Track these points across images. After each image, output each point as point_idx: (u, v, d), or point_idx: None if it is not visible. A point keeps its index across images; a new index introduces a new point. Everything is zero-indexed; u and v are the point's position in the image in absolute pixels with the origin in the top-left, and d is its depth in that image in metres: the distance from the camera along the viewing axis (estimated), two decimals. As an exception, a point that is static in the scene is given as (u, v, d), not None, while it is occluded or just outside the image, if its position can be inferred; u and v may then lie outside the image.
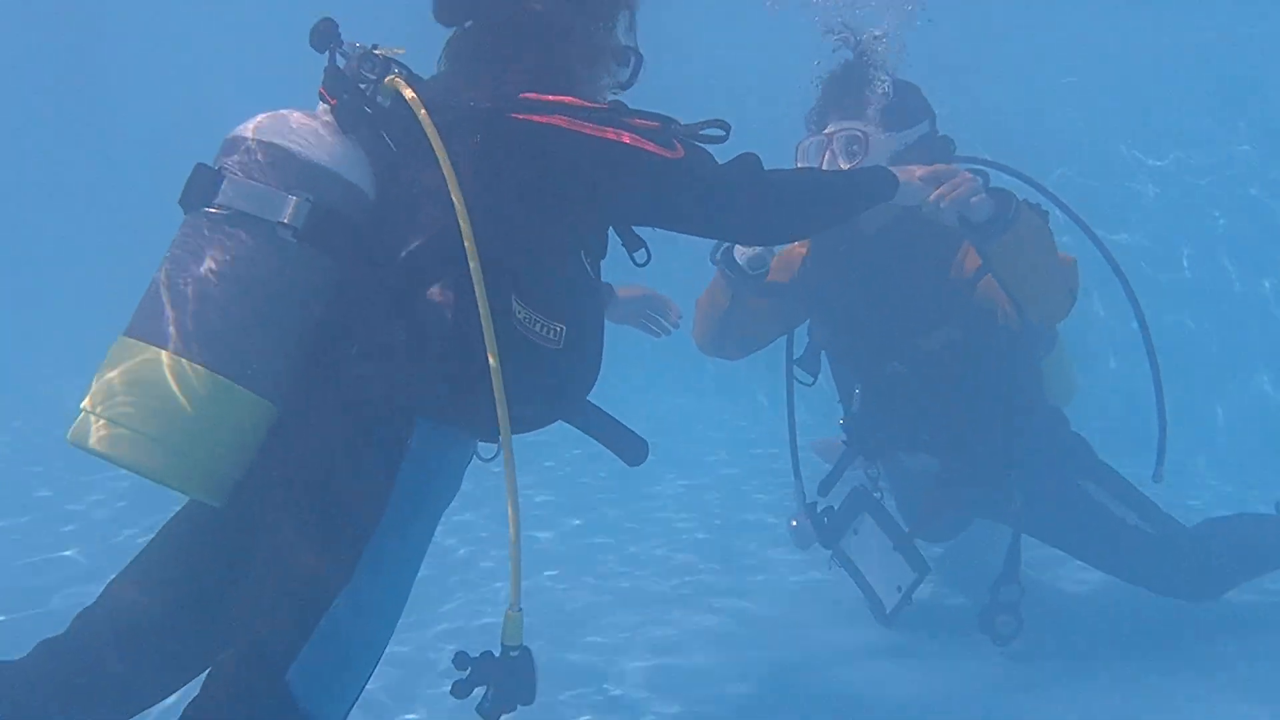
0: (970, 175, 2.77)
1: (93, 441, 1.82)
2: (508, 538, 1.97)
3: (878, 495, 3.44)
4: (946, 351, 3.15)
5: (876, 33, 3.10)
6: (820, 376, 3.46)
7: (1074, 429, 3.47)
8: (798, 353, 3.49)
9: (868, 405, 3.39)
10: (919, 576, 3.29)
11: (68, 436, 1.88)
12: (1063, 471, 3.31)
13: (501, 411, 1.91)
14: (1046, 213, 3.04)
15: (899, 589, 3.30)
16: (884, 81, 3.07)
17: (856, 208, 2.60)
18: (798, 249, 3.39)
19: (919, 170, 2.70)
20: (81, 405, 1.87)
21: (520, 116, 2.01)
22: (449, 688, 1.96)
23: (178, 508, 2.15)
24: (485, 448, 2.18)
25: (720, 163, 2.19)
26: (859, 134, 3.00)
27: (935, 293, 3.12)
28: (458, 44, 2.20)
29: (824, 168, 3.05)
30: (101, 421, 1.82)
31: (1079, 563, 3.51)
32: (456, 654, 1.98)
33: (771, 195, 2.27)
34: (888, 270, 3.16)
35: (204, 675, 1.91)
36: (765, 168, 2.28)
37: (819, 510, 3.51)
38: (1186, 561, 3.27)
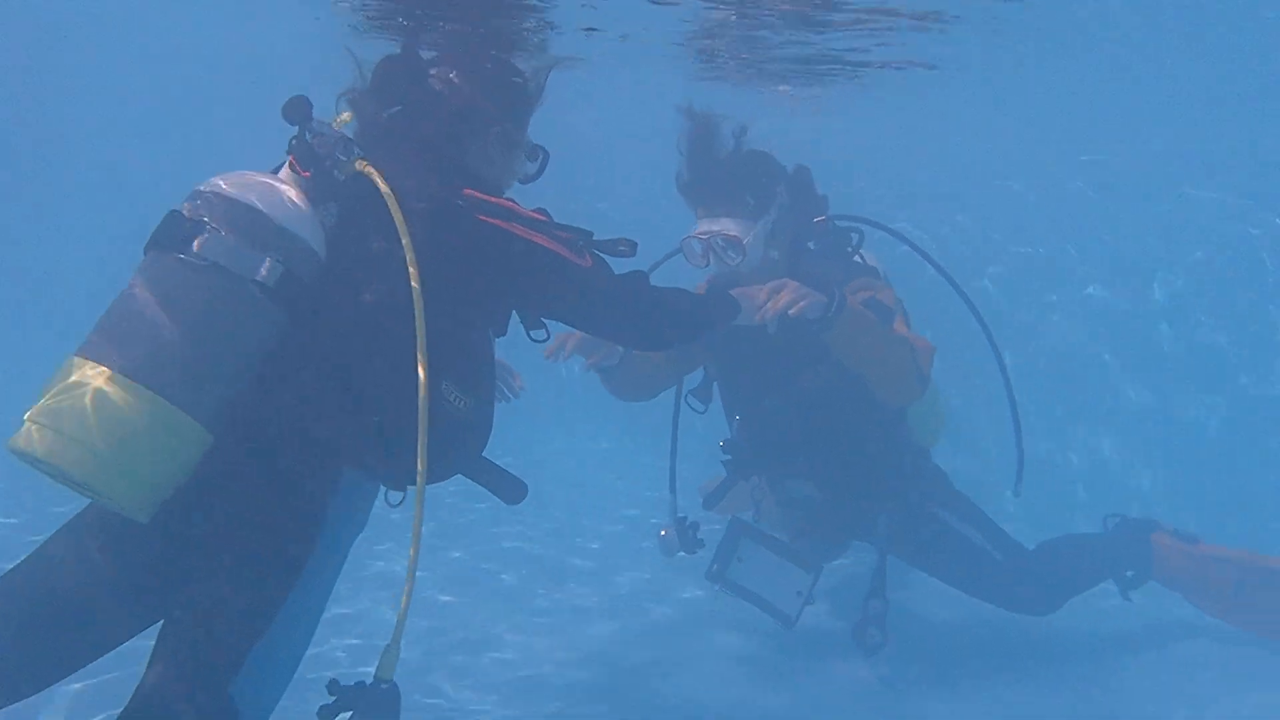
0: (794, 286, 3.06)
1: (34, 449, 1.96)
2: (402, 577, 2.16)
3: (753, 521, 3.74)
4: (817, 391, 3.46)
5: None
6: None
7: (935, 461, 3.83)
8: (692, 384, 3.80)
9: (746, 432, 3.71)
10: (814, 575, 3.57)
11: (9, 443, 2.01)
12: (922, 501, 3.66)
13: (421, 466, 2.15)
14: (890, 307, 3.31)
15: (799, 593, 3.57)
16: (737, 173, 3.34)
17: (712, 328, 2.99)
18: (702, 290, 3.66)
19: (754, 292, 3.04)
20: (25, 415, 2.01)
21: (466, 212, 2.30)
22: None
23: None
24: (393, 495, 2.41)
25: (617, 275, 2.54)
26: (734, 239, 3.29)
27: (809, 340, 3.35)
28: (389, 125, 2.44)
29: (709, 266, 3.40)
30: (46, 431, 1.96)
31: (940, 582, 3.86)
32: (330, 680, 2.15)
33: (648, 313, 2.64)
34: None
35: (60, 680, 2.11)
36: (650, 286, 2.64)
37: (686, 523, 3.82)
38: (1028, 580, 3.65)
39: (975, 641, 3.84)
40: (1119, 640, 3.87)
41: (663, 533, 3.90)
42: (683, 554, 3.85)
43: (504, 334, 2.53)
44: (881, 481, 3.58)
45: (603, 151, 8.70)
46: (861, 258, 3.66)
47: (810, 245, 3.56)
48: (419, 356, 2.15)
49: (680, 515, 3.86)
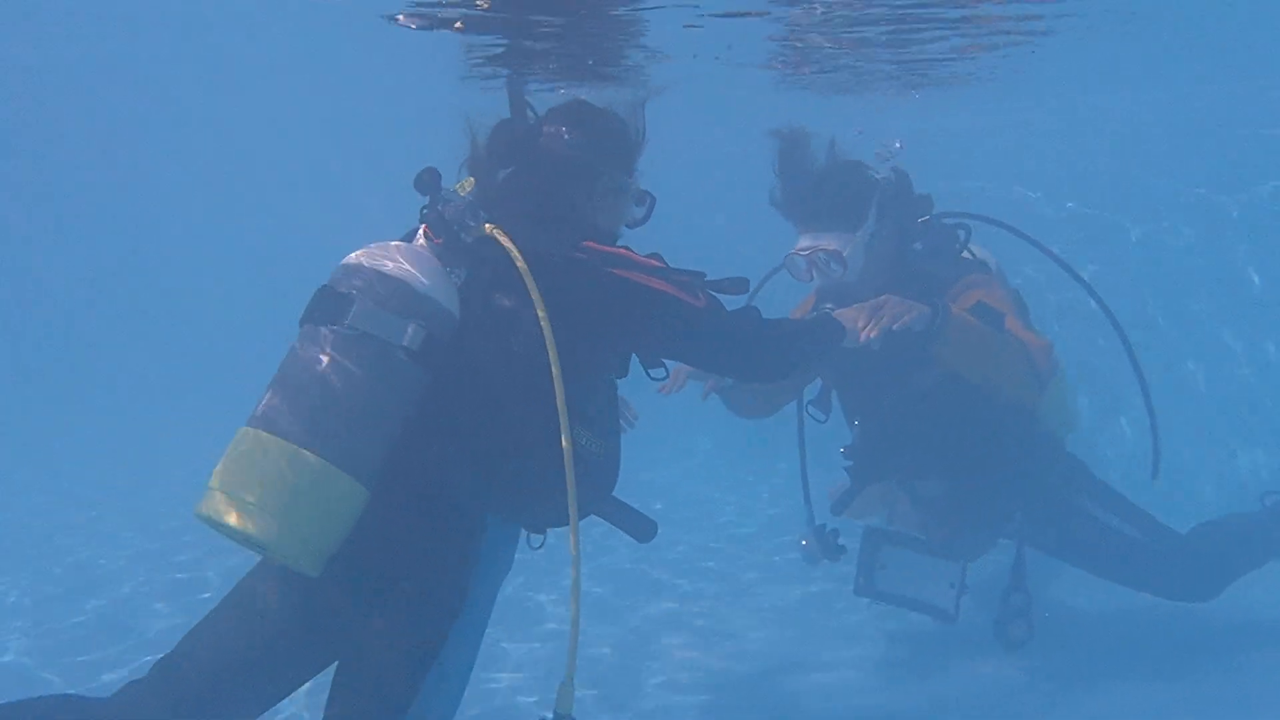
0: (894, 302, 3.06)
1: (223, 516, 2.15)
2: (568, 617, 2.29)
3: (888, 525, 3.76)
4: (933, 391, 3.45)
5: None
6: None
7: (1072, 451, 3.74)
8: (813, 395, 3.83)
9: (867, 436, 3.70)
10: (961, 564, 3.56)
11: (196, 510, 2.22)
12: (1060, 491, 3.60)
13: (573, 512, 2.29)
14: (998, 310, 3.25)
15: (951, 585, 3.56)
16: (831, 187, 3.38)
17: (820, 356, 3.15)
18: (808, 309, 3.69)
19: (856, 313, 3.05)
20: (209, 484, 2.21)
21: (587, 264, 2.43)
22: None
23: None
24: (534, 538, 2.57)
25: (730, 313, 2.64)
26: (835, 252, 3.36)
27: (916, 350, 3.33)
28: (506, 185, 2.58)
29: (814, 282, 3.48)
30: (229, 498, 2.16)
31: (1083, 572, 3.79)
32: None
33: (759, 347, 2.74)
34: None
35: None
36: (761, 321, 2.73)
37: (826, 530, 3.85)
38: (1182, 565, 3.56)
39: (1126, 633, 3.75)
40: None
41: (804, 542, 3.94)
42: (826, 561, 3.88)
43: (625, 375, 2.64)
44: (1013, 474, 3.54)
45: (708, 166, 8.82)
46: (971, 253, 3.62)
47: (916, 246, 3.56)
48: (559, 405, 2.27)
49: (818, 523, 3.90)
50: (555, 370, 2.28)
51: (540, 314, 2.30)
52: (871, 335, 3.01)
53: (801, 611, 4.28)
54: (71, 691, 2.45)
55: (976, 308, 3.23)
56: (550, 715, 2.32)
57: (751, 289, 2.84)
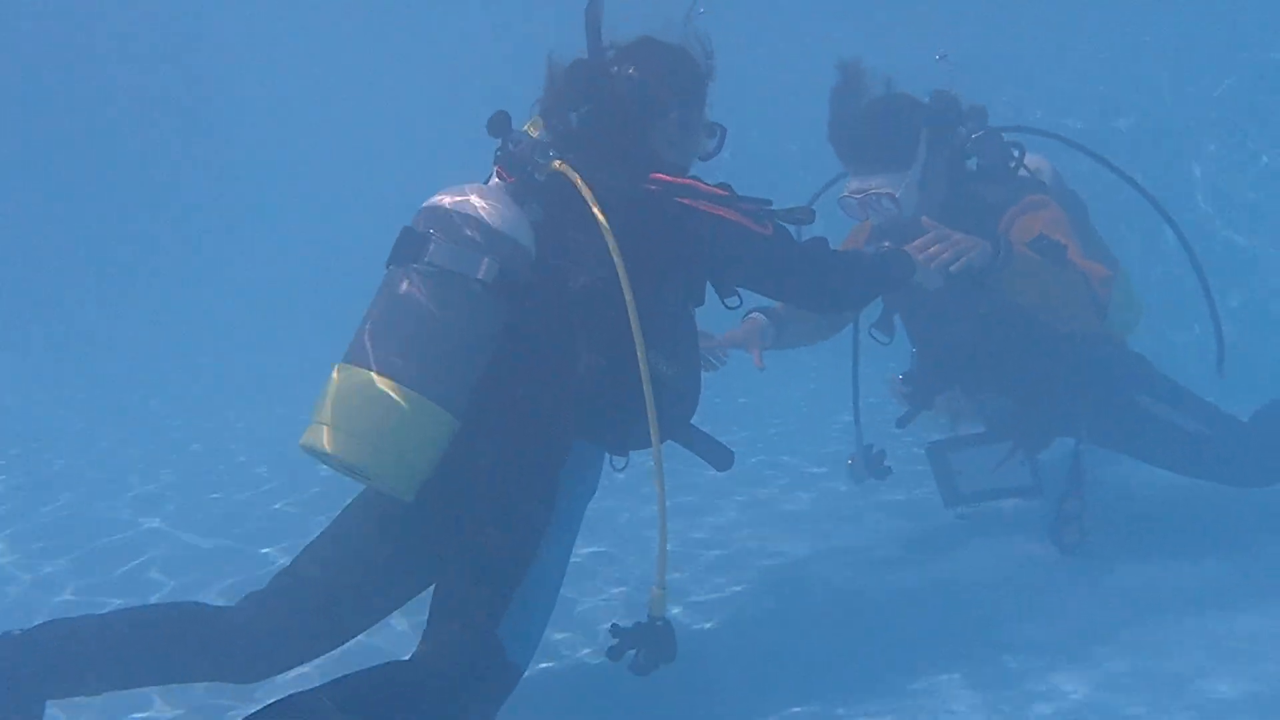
0: (956, 239, 3.01)
1: (325, 445, 2.33)
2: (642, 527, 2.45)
3: (946, 437, 3.85)
4: (997, 318, 3.47)
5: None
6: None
7: (1136, 349, 3.77)
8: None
9: (929, 360, 3.78)
10: (1021, 442, 3.67)
11: (301, 442, 2.40)
12: (1122, 391, 3.62)
13: (654, 431, 2.42)
14: (1060, 242, 3.19)
15: (1023, 463, 3.66)
16: (878, 125, 3.37)
17: (890, 288, 3.17)
18: (863, 236, 3.73)
19: (922, 245, 3.03)
20: (312, 418, 2.39)
21: (655, 196, 2.53)
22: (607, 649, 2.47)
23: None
24: (617, 460, 2.70)
25: (798, 243, 2.74)
26: (887, 194, 3.36)
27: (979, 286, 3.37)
28: (579, 125, 2.68)
29: (867, 223, 3.52)
30: (331, 429, 2.33)
31: (1144, 475, 3.85)
32: (612, 625, 2.50)
33: (829, 276, 2.83)
34: None
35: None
36: (829, 250, 2.81)
37: (873, 450, 3.94)
38: (1248, 452, 3.59)
39: (1181, 518, 3.78)
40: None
41: (849, 461, 4.03)
42: (873, 480, 3.97)
43: (702, 304, 2.73)
44: (1076, 380, 3.57)
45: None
46: (1027, 168, 3.60)
47: (971, 164, 3.56)
48: (635, 332, 2.39)
49: (866, 443, 3.97)
50: (629, 297, 2.39)
51: (611, 245, 2.40)
52: (933, 267, 3.03)
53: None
54: (184, 601, 2.70)
55: (1037, 243, 3.21)
56: (645, 619, 2.49)
57: (825, 238, 2.89)
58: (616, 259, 2.40)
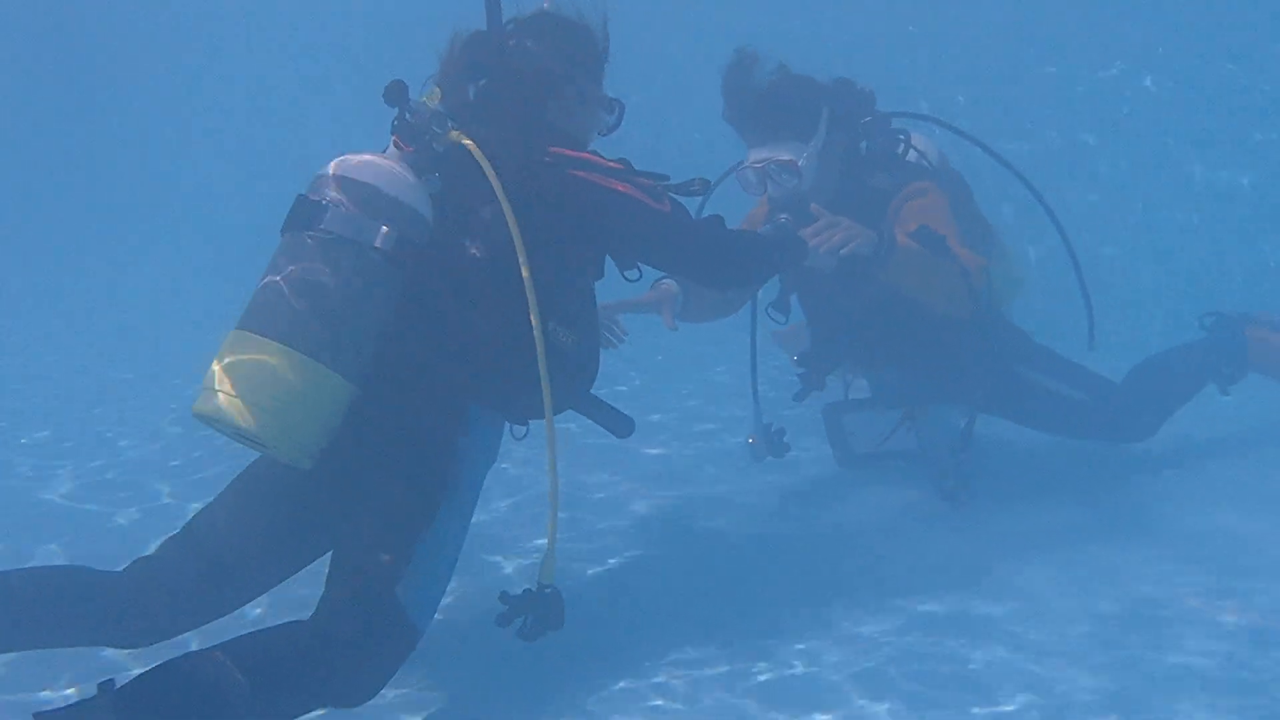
0: (845, 225, 3.17)
1: (220, 414, 2.31)
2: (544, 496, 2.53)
3: (841, 400, 4.07)
4: (881, 302, 3.61)
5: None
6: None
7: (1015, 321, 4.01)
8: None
9: (819, 340, 3.93)
10: (912, 407, 3.87)
11: (193, 409, 2.38)
12: (1004, 363, 3.85)
13: (547, 399, 2.47)
14: (940, 234, 3.36)
15: (909, 429, 3.88)
16: (781, 97, 3.45)
17: (783, 267, 3.29)
18: (761, 215, 3.80)
19: (813, 231, 3.17)
20: (204, 384, 2.37)
21: (553, 168, 2.58)
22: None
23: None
24: (517, 429, 2.76)
25: (695, 220, 2.82)
26: (789, 162, 3.45)
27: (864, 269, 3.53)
28: (478, 97, 2.74)
29: (767, 195, 3.58)
30: (224, 396, 2.31)
31: (1017, 433, 4.10)
32: (501, 592, 2.55)
33: (724, 254, 2.89)
34: None
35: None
36: (725, 230, 2.90)
37: (772, 429, 4.06)
38: (1123, 412, 3.86)
39: (1058, 473, 4.02)
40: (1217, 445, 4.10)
41: (750, 440, 4.14)
42: (770, 458, 4.09)
43: (601, 276, 2.80)
44: (959, 355, 3.76)
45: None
46: (917, 150, 3.75)
47: (863, 146, 3.68)
48: (530, 302, 2.44)
49: (765, 421, 4.09)
50: (524, 267, 2.43)
51: (507, 213, 2.45)
52: (822, 250, 3.16)
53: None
54: (79, 564, 2.65)
55: (919, 233, 3.38)
56: (534, 587, 2.55)
57: (721, 216, 2.97)
58: (513, 228, 2.45)
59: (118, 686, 1.98)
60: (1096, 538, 3.44)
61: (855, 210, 3.33)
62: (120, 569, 2.57)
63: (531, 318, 2.45)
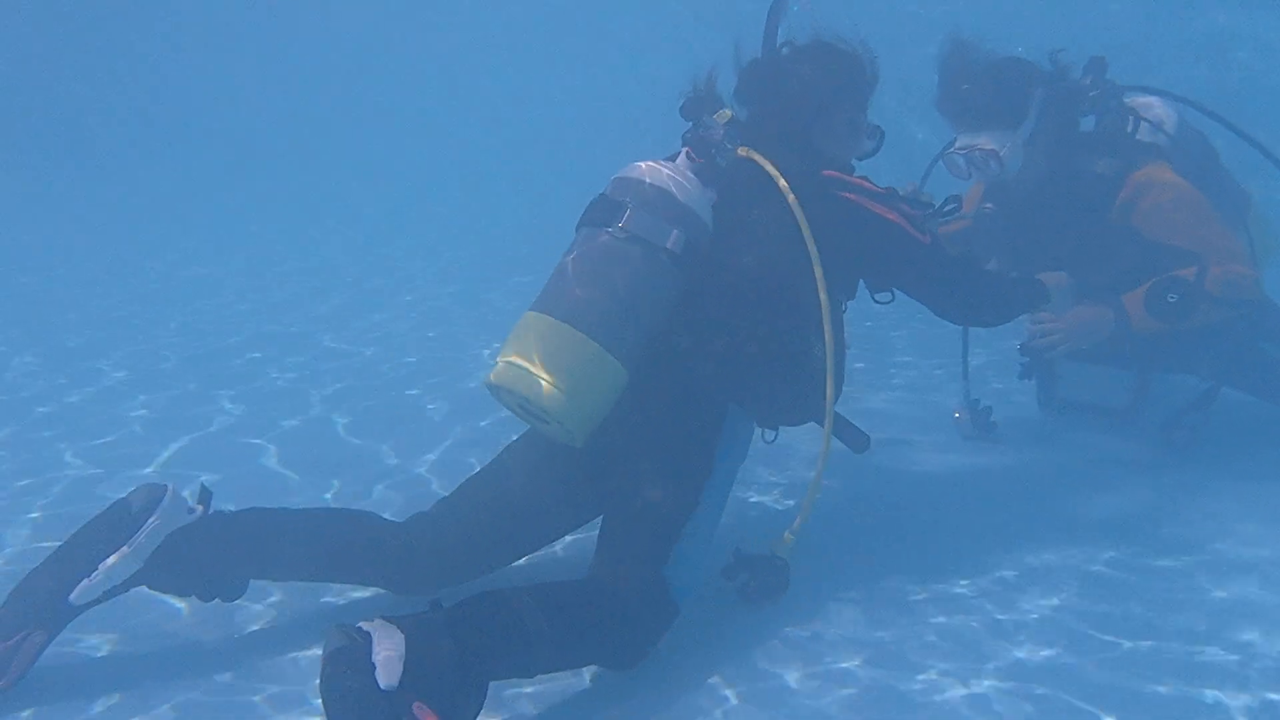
0: (1081, 327, 3.40)
1: (515, 385, 2.54)
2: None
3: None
4: (1118, 284, 3.57)
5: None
6: None
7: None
8: None
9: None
10: (1139, 372, 3.85)
11: (488, 379, 2.62)
12: (1249, 341, 3.77)
13: (829, 407, 2.71)
14: (1185, 278, 3.36)
15: (1127, 389, 3.87)
16: (988, 85, 3.45)
17: (1022, 313, 3.37)
18: (975, 198, 3.85)
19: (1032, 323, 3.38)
20: (500, 358, 2.62)
21: (828, 189, 2.78)
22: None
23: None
24: (768, 433, 2.93)
25: (949, 256, 2.98)
26: (991, 151, 3.47)
27: (1096, 236, 3.52)
28: (755, 118, 2.94)
29: (971, 179, 3.65)
30: (521, 370, 2.54)
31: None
32: (736, 549, 2.78)
33: (970, 296, 3.10)
34: (1045, 224, 3.62)
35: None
36: (976, 271, 3.10)
37: (980, 406, 4.08)
38: None
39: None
40: None
41: (956, 415, 4.16)
42: (978, 438, 4.08)
43: (853, 297, 2.97)
44: (1203, 333, 3.65)
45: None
46: (1149, 122, 3.67)
47: (1090, 124, 3.63)
48: (824, 311, 2.66)
49: (973, 399, 4.11)
50: (818, 272, 2.66)
51: (804, 230, 2.66)
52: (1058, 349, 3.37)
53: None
54: (364, 510, 2.88)
55: (1151, 293, 3.41)
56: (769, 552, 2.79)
57: (919, 181, 3.14)
58: (809, 240, 2.66)
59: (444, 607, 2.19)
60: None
61: (1070, 197, 3.35)
62: (400, 520, 2.84)
63: (825, 330, 2.66)
